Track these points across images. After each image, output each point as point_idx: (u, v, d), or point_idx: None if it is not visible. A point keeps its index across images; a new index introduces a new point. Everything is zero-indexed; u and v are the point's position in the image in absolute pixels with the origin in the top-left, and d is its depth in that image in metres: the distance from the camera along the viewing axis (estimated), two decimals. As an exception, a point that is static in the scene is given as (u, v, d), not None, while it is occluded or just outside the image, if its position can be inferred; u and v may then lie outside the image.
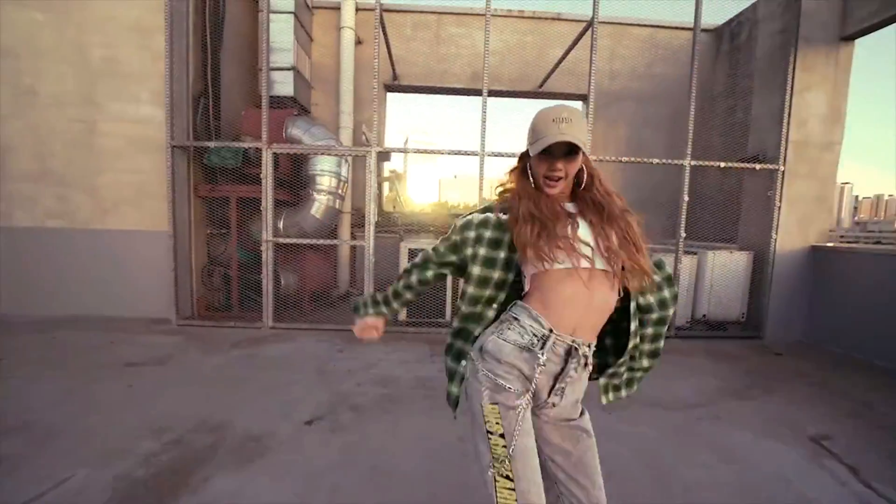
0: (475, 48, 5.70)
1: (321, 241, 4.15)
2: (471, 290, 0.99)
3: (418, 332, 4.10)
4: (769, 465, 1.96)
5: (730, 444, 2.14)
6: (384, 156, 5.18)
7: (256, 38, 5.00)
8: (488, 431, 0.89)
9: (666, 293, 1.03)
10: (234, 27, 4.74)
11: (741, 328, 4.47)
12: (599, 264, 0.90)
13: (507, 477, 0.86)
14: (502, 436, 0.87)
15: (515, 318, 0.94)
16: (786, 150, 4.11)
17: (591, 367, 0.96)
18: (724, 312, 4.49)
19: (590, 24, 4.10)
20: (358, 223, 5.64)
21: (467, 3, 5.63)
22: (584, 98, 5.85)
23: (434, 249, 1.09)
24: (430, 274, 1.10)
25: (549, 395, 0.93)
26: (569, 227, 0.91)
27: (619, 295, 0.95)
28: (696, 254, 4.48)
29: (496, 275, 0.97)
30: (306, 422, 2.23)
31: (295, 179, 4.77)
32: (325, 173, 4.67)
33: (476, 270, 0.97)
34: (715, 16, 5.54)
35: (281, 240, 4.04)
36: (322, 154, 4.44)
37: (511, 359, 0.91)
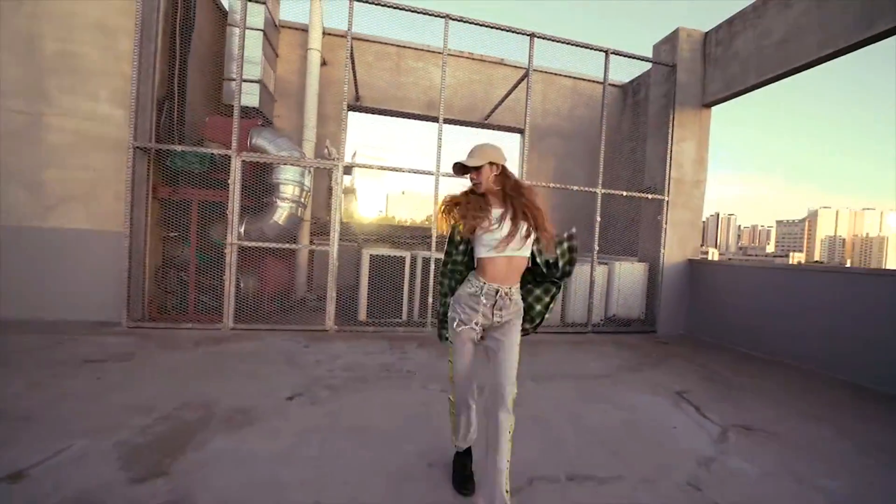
0: (431, 81, 6.36)
1: (287, 246, 4.35)
2: (450, 265, 1.66)
3: (377, 331, 4.45)
4: (646, 410, 2.69)
5: (622, 399, 2.85)
6: (346, 170, 5.50)
7: (221, 48, 5.14)
8: (450, 341, 1.62)
9: (557, 252, 1.68)
10: (201, 37, 4.84)
11: (641, 324, 5.51)
12: (511, 251, 1.54)
13: (450, 362, 1.66)
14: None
15: (468, 280, 1.60)
16: (669, 185, 5.29)
17: (514, 300, 1.60)
18: (628, 312, 5.50)
19: (526, 72, 4.95)
20: (316, 231, 5.86)
21: (425, 40, 6.27)
22: (521, 132, 6.80)
23: (447, 253, 1.67)
24: (458, 267, 1.66)
25: (492, 315, 1.57)
26: (485, 211, 1.57)
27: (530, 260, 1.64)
28: (607, 264, 5.46)
29: (461, 257, 1.63)
30: (287, 398, 2.51)
31: (257, 187, 4.91)
32: (290, 182, 4.88)
33: (456, 252, 1.64)
34: (621, 74, 6.86)
35: (247, 243, 4.18)
36: (290, 165, 4.68)
37: (466, 300, 1.58)
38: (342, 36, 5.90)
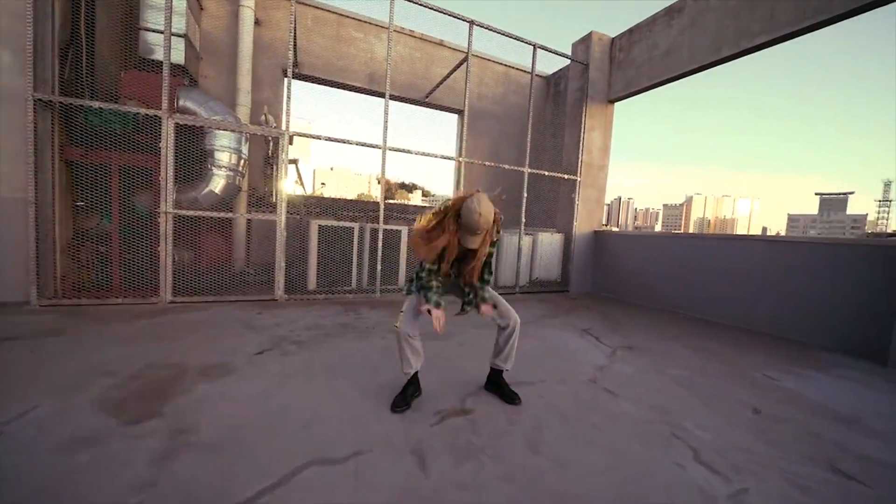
0: (372, 53, 6.30)
1: (229, 215, 4.18)
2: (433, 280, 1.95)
3: (328, 298, 4.59)
4: (559, 341, 3.40)
5: (543, 335, 3.53)
6: (290, 139, 5.27)
7: (131, -8, 4.47)
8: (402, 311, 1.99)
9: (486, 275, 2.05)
10: (106, -24, 4.17)
11: (558, 285, 6.47)
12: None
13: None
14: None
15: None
16: (581, 167, 6.17)
17: (475, 292, 2.00)
18: (548, 275, 6.40)
19: (466, 57, 5.26)
20: (255, 202, 5.59)
21: (367, 12, 6.15)
22: (460, 112, 7.15)
23: (427, 272, 1.93)
24: (438, 276, 1.96)
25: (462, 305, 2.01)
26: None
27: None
28: (531, 235, 6.24)
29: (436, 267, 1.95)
30: (257, 353, 2.64)
31: (187, 153, 4.53)
32: (226, 149, 4.60)
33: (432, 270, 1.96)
34: (547, 66, 7.56)
35: (184, 212, 3.93)
36: (230, 131, 4.40)
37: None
38: (276, -5, 5.52)
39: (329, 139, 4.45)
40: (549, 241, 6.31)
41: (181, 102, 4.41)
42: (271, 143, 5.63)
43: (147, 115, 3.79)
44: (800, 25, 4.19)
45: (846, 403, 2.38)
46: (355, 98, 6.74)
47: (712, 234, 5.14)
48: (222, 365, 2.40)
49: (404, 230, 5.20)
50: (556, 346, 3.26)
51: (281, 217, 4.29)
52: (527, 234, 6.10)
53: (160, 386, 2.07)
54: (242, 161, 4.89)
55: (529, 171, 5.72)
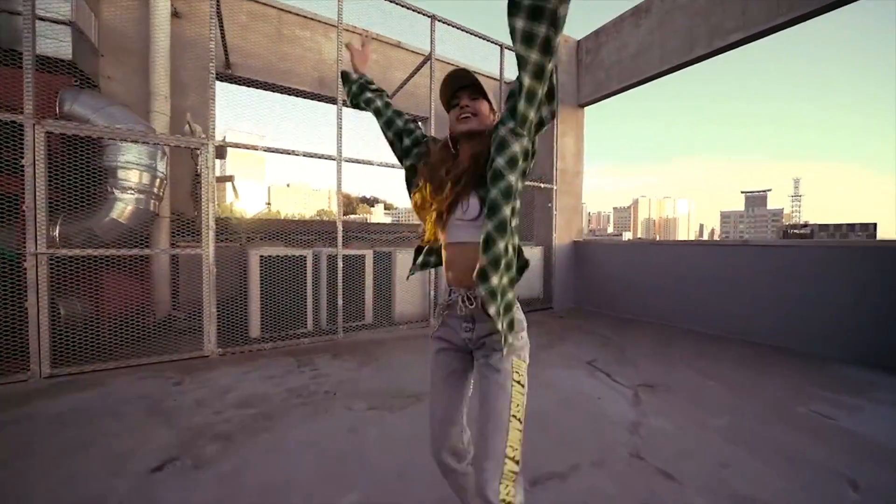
0: (321, 54, 5.52)
1: (132, 252, 3.17)
2: None
3: (277, 347, 3.67)
4: (570, 385, 2.77)
5: (549, 378, 2.89)
6: (219, 152, 4.31)
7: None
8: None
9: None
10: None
11: (541, 303, 5.93)
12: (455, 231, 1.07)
13: None
14: None
15: None
16: (556, 174, 5.74)
17: (484, 307, 0.99)
18: (530, 293, 5.85)
19: (428, 57, 4.65)
20: (180, 230, 4.54)
21: (311, 7, 5.38)
22: (425, 119, 6.52)
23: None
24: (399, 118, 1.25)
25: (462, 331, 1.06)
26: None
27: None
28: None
29: None
30: (153, 469, 1.74)
31: (79, 172, 3.47)
32: (134, 167, 3.60)
33: None
34: (513, 72, 7.17)
35: (66, 251, 2.89)
36: (136, 142, 3.42)
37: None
38: (199, -16, 4.62)
39: (269, 150, 3.60)
40: (529, 255, 5.78)
41: (67, 107, 3.37)
42: (200, 157, 4.63)
43: (4, 121, 2.75)
44: (774, 22, 4.01)
45: (927, 448, 1.94)
46: (305, 105, 5.90)
47: (697, 241, 4.85)
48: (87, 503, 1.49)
49: (369, 254, 4.40)
50: (570, 394, 2.62)
51: (208, 249, 3.35)
52: (506, 249, 5.53)
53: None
54: (158, 180, 3.89)
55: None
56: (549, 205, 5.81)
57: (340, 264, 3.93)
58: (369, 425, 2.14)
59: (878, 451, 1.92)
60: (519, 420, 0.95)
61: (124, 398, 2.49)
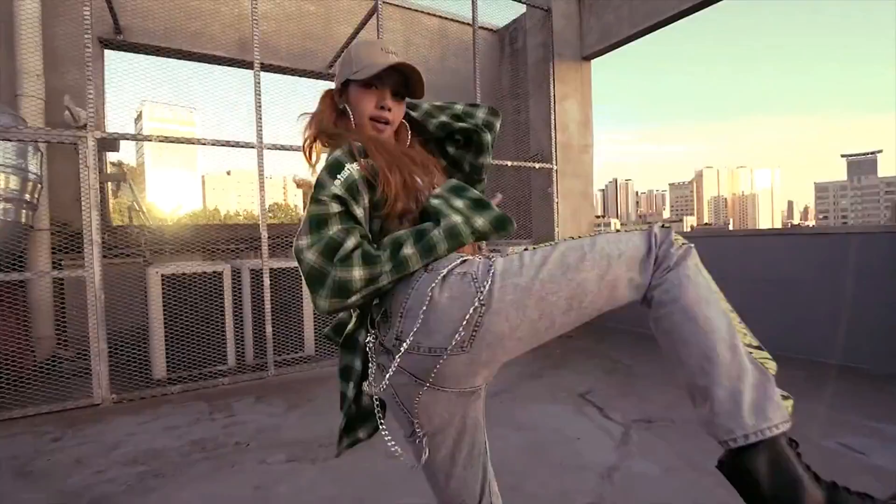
0: (240, 8, 5.76)
1: (-3, 277, 3.39)
2: None
3: (187, 390, 3.88)
4: (549, 427, 2.97)
5: (523, 419, 3.09)
6: (109, 144, 4.53)
7: None
8: None
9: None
10: None
11: (543, 318, 6.14)
12: None
13: None
14: None
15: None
16: (555, 151, 5.96)
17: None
18: (529, 305, 6.07)
19: (375, 5, 4.86)
20: (65, 246, 4.76)
21: (224, -51, 5.63)
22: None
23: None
24: None
25: None
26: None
27: None
28: (499, 251, 5.88)
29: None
30: (9, 541, 1.95)
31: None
32: (-5, 169, 3.82)
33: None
34: (496, 16, 7.42)
35: None
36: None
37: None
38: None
39: (165, 140, 3.82)
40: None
41: None
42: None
43: None
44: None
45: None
46: (229, 75, 6.14)
47: (766, 230, 5.05)
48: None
49: (308, 266, 4.62)
50: (543, 435, 2.82)
51: (93, 269, 3.57)
52: (492, 249, 5.73)
53: None
54: (31, 184, 4.12)
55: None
56: (549, 190, 6.02)
57: (267, 281, 4.15)
58: (281, 482, 2.35)
59: (899, 487, 2.12)
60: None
61: (-15, 461, 2.70)
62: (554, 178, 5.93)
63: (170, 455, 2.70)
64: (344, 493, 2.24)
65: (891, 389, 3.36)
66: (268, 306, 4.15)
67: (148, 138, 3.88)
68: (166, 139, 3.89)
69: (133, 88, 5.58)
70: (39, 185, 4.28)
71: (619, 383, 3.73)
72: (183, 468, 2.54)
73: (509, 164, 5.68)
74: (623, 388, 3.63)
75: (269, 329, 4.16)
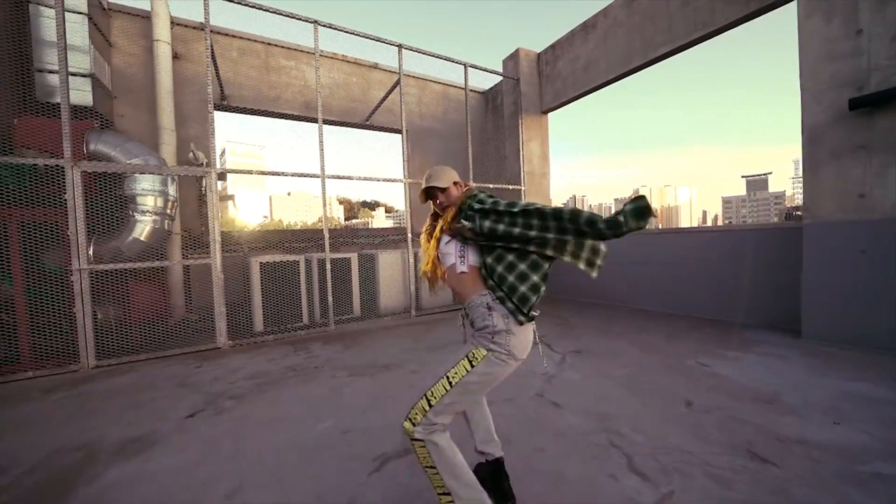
0: (305, 80, 6.19)
1: (154, 263, 3.85)
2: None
3: (278, 338, 4.34)
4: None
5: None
6: (221, 176, 5.00)
7: (22, 32, 4.09)
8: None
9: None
10: (-11, 18, 3.79)
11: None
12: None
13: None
14: None
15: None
16: (524, 177, 6.38)
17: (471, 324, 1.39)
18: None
19: (398, 80, 5.30)
20: (190, 244, 5.23)
21: (295, 40, 6.06)
22: (400, 132, 7.17)
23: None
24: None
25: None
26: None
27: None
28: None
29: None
30: (187, 416, 2.41)
31: (103, 201, 4.16)
32: (149, 193, 4.28)
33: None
34: (482, 82, 7.82)
35: (102, 266, 3.57)
36: (152, 174, 4.10)
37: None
38: (196, 28, 5.31)
39: (261, 173, 4.27)
40: (502, 250, 6.42)
41: (92, 147, 4.07)
42: (203, 181, 5.32)
43: (48, 165, 3.44)
44: (693, 36, 4.63)
45: (767, 382, 2.57)
46: (297, 125, 6.57)
47: (652, 231, 5.47)
48: (144, 437, 2.16)
49: (354, 256, 5.07)
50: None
51: (216, 259, 4.03)
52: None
53: (63, 477, 1.82)
54: (170, 203, 4.57)
55: (475, 185, 5.81)
56: (519, 204, 6.44)
57: (329, 266, 4.60)
58: (345, 386, 2.81)
59: (724, 385, 2.56)
60: (449, 381, 1.26)
61: (158, 377, 3.17)
62: (523, 196, 6.36)
63: (273, 374, 3.16)
64: (385, 392, 2.69)
65: (738, 332, 3.80)
66: (329, 283, 4.61)
67: (249, 172, 4.33)
68: (262, 172, 4.34)
69: (223, 134, 6.03)
70: (175, 204, 4.73)
71: (562, 331, 4.17)
72: (283, 381, 3.00)
73: (491, 186, 6.11)
74: (565, 333, 4.07)
75: (330, 298, 4.62)
